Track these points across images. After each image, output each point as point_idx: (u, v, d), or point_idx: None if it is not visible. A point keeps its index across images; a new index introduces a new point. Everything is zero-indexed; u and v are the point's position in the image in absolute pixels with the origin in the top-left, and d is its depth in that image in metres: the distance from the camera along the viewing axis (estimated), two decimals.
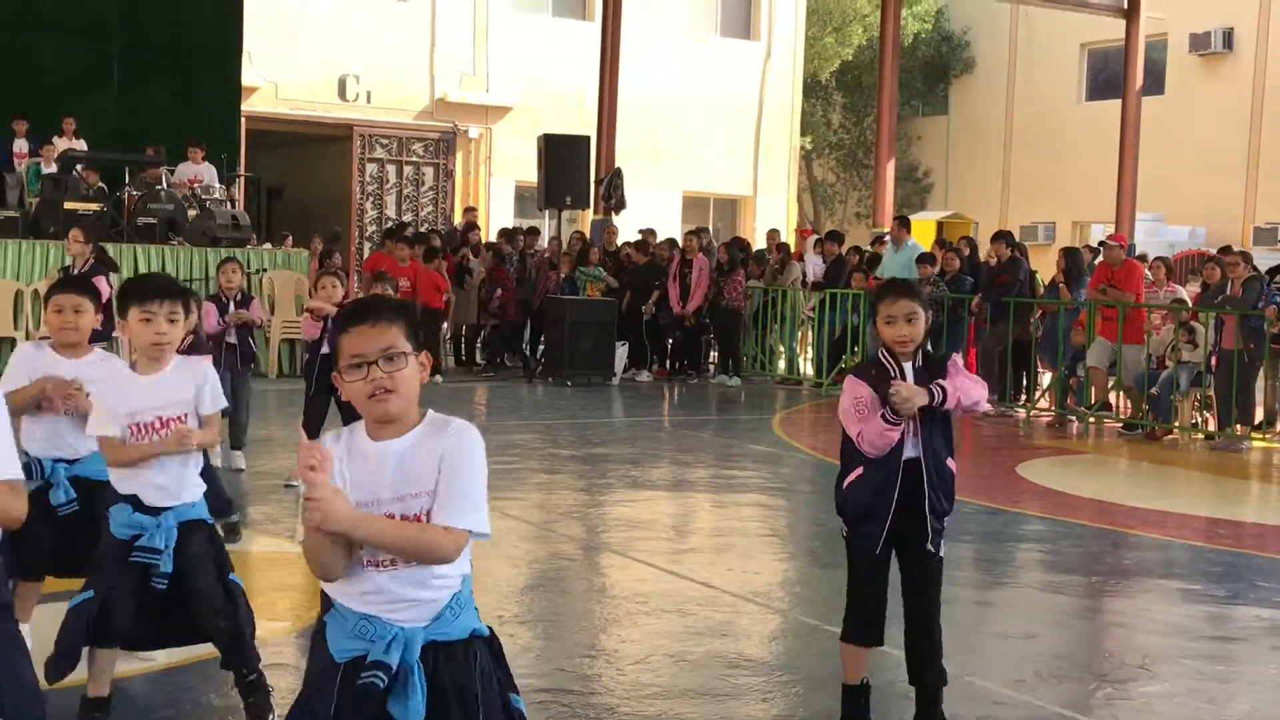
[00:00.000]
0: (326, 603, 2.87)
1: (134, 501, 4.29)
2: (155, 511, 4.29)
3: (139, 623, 4.28)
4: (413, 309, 2.95)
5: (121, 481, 4.31)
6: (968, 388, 4.37)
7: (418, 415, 2.87)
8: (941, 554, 4.46)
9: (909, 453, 4.36)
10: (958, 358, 4.60)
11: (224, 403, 4.51)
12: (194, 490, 4.40)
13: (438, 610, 2.83)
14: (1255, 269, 13.09)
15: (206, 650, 4.84)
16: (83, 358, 4.68)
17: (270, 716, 4.48)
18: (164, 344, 4.32)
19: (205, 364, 4.57)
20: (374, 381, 2.77)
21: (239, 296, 9.34)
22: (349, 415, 8.28)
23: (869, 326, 15.85)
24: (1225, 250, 14.52)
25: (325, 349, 8.36)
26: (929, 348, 4.55)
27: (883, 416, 4.28)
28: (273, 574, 6.93)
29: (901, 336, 4.35)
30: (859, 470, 4.39)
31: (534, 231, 19.45)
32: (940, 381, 4.33)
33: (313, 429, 8.76)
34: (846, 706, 4.51)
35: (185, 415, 4.34)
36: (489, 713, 2.84)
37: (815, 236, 19.84)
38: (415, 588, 2.81)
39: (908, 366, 4.40)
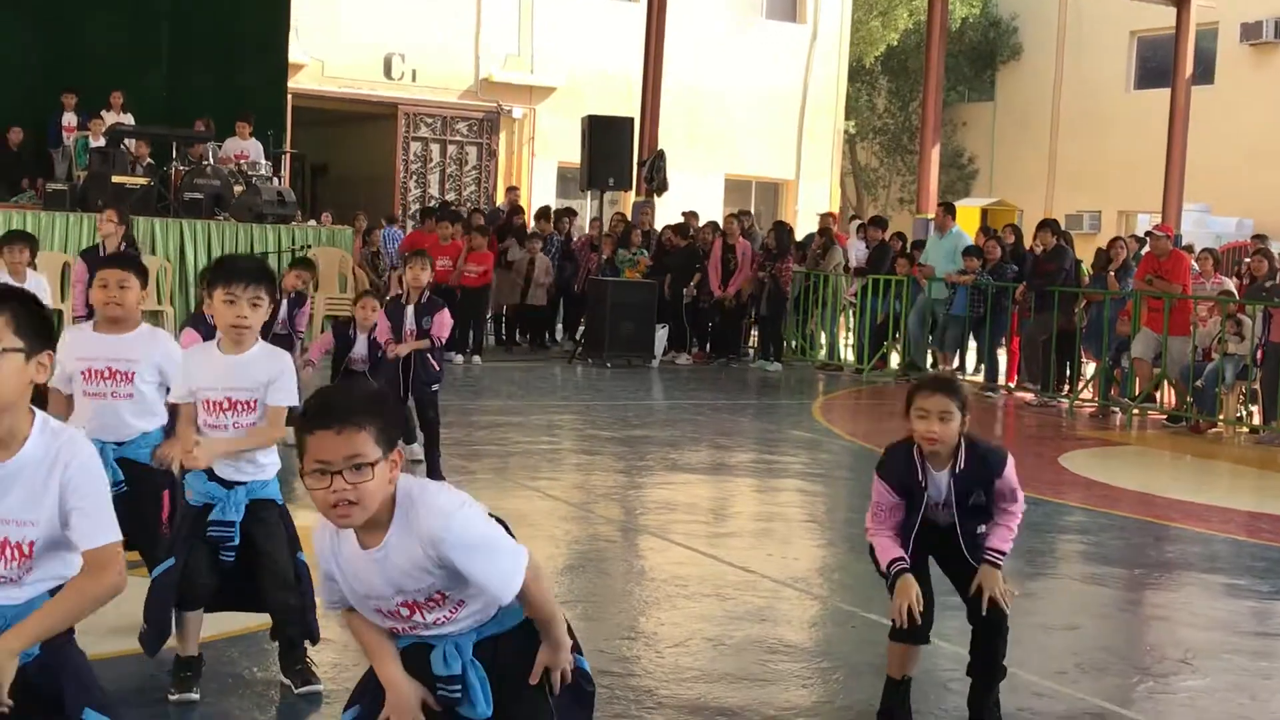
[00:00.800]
0: None
1: (207, 472, 4.38)
2: (227, 485, 4.38)
3: (209, 585, 4.41)
4: (386, 404, 2.76)
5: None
6: (1005, 536, 4.36)
7: (388, 513, 2.72)
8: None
9: (938, 520, 4.40)
10: (1010, 475, 4.39)
11: (295, 400, 4.52)
12: (267, 469, 4.48)
13: (479, 624, 2.87)
14: None
15: (242, 623, 4.91)
16: (127, 334, 4.68)
17: (314, 683, 4.56)
18: (244, 327, 4.39)
19: (287, 357, 4.63)
20: (336, 493, 2.60)
21: (292, 295, 9.43)
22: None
23: (911, 315, 15.82)
24: (1258, 239, 14.35)
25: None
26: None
27: (890, 565, 4.28)
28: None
29: (931, 433, 4.24)
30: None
31: (570, 213, 19.44)
32: (991, 554, 4.31)
33: None
34: (887, 698, 4.50)
35: (254, 401, 4.41)
36: (538, 694, 2.89)
37: (858, 221, 19.75)
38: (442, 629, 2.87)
39: (941, 475, 4.33)
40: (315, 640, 4.65)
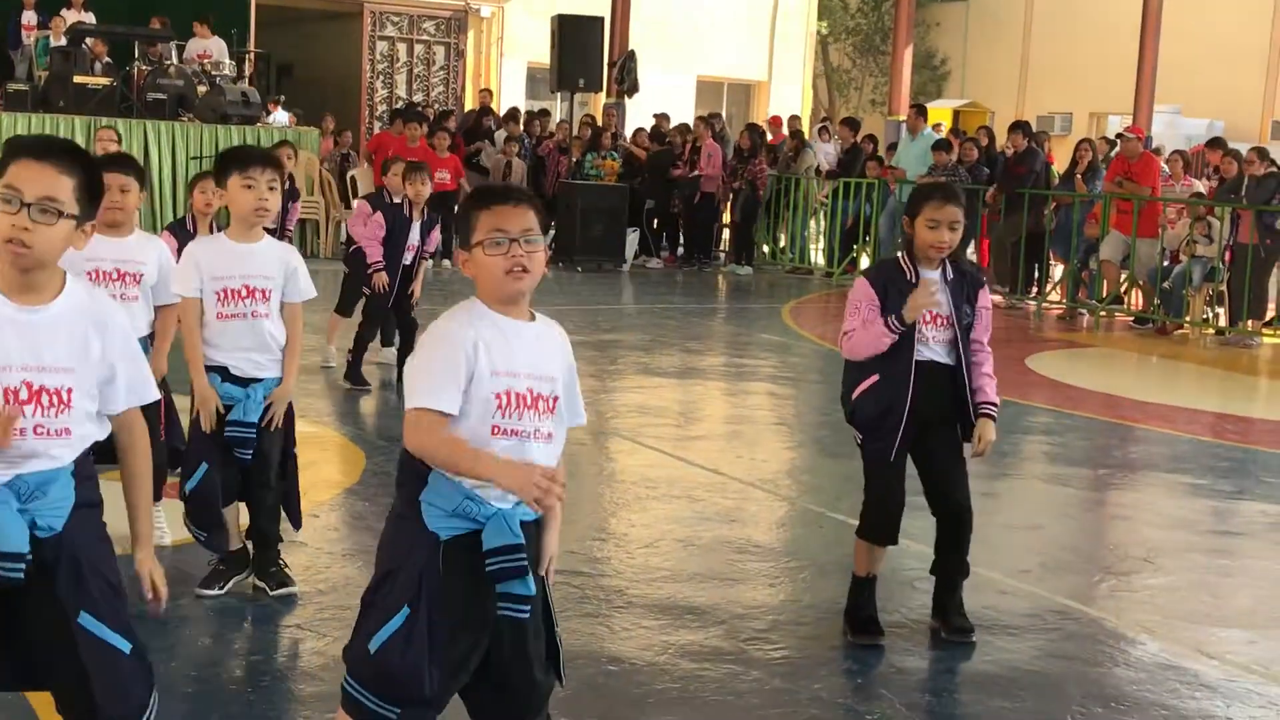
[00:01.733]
0: (418, 484, 2.82)
1: (222, 372, 4.40)
2: (244, 383, 4.40)
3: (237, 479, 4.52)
4: (540, 203, 3.00)
5: (212, 351, 4.40)
6: (991, 387, 4.42)
7: (527, 308, 2.92)
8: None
9: (931, 356, 4.34)
10: (986, 293, 4.49)
11: (314, 292, 4.60)
12: (278, 365, 4.49)
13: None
14: (1275, 164, 12.98)
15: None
16: (128, 236, 4.66)
17: (290, 584, 4.62)
18: (266, 209, 4.42)
19: (296, 252, 4.67)
20: (514, 258, 2.79)
21: (288, 188, 9.31)
22: (368, 305, 8.36)
23: (882, 218, 15.81)
24: (1214, 143, 14.35)
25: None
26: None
27: (887, 322, 4.24)
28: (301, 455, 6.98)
29: (942, 242, 4.28)
30: (873, 379, 4.35)
31: (544, 114, 19.23)
32: (987, 408, 4.37)
33: (346, 311, 8.95)
34: (853, 596, 4.55)
35: (269, 290, 4.42)
36: (543, 586, 2.94)
37: (824, 123, 19.62)
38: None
39: (933, 274, 4.33)
40: (296, 527, 4.75)
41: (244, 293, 4.38)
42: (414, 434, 2.75)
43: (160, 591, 2.85)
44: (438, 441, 2.74)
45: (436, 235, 8.82)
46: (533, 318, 2.91)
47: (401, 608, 2.77)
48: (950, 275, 4.37)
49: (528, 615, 2.83)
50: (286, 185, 9.11)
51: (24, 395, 2.65)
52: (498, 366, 2.79)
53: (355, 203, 9.30)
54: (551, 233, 16.89)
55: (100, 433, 2.78)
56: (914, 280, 4.30)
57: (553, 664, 2.93)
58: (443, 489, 2.79)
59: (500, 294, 2.84)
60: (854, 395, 4.40)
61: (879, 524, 4.45)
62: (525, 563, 2.78)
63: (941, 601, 4.58)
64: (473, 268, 2.85)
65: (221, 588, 4.58)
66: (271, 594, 4.58)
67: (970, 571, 4.57)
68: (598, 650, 4.30)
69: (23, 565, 2.62)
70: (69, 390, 2.69)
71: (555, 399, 2.87)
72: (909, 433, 4.33)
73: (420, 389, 2.76)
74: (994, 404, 4.42)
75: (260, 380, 4.44)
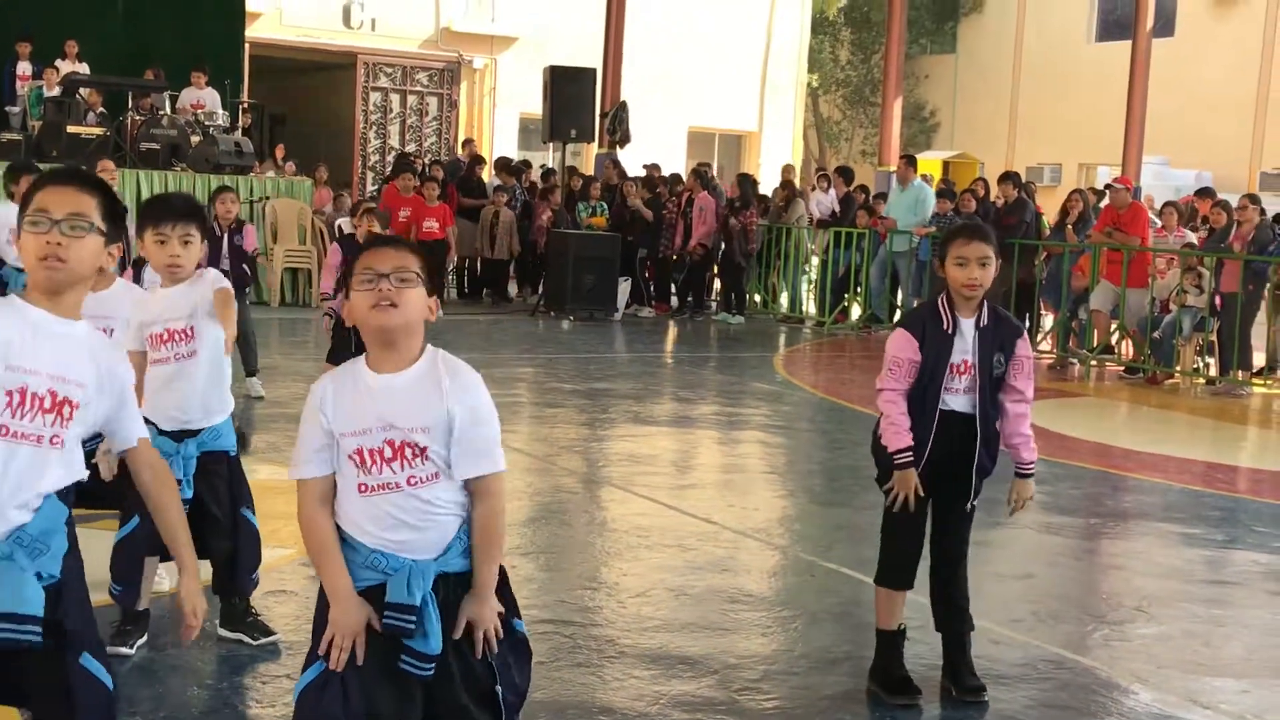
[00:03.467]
0: (340, 534, 2.88)
1: (155, 426, 4.33)
2: (176, 437, 4.36)
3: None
4: (430, 256, 2.99)
5: (145, 405, 4.34)
6: (1029, 447, 4.37)
7: (418, 350, 2.87)
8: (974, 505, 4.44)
9: (954, 406, 4.27)
10: (1027, 342, 4.43)
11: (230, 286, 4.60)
12: (216, 414, 4.46)
13: (448, 541, 2.85)
14: (1263, 212, 13.08)
15: (206, 577, 4.88)
16: (103, 290, 4.59)
17: (272, 633, 4.58)
18: (178, 265, 4.39)
19: (213, 272, 4.64)
20: (380, 292, 2.78)
21: (234, 225, 9.36)
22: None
23: (873, 268, 15.86)
24: (1204, 192, 14.43)
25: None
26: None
27: (903, 451, 4.18)
28: (275, 502, 6.95)
29: (972, 279, 4.22)
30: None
31: (525, 164, 19.32)
32: (1025, 468, 4.37)
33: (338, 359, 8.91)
34: (883, 654, 4.45)
35: (191, 329, 4.41)
36: (501, 641, 2.89)
37: (820, 173, 19.74)
38: (416, 515, 2.83)
39: (968, 324, 4.26)
40: (245, 594, 4.64)
41: (165, 336, 4.39)
42: (300, 517, 2.89)
43: (196, 623, 2.89)
44: (304, 519, 2.87)
45: None
46: (417, 359, 2.85)
47: (317, 660, 2.82)
48: (985, 321, 4.30)
49: (429, 674, 2.79)
50: (233, 225, 9.20)
51: (47, 404, 2.71)
52: (344, 427, 2.82)
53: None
54: (542, 282, 16.98)
55: (80, 472, 2.81)
56: (949, 329, 4.25)
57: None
58: (354, 542, 2.84)
59: (368, 333, 2.84)
60: (880, 434, 4.33)
61: (895, 567, 4.38)
62: (413, 624, 2.77)
63: (953, 660, 4.48)
64: (348, 313, 2.87)
65: (132, 646, 4.44)
66: (254, 644, 4.54)
67: (974, 624, 4.52)
68: (589, 700, 4.27)
69: (40, 628, 2.66)
70: (76, 405, 2.76)
71: (424, 448, 2.81)
72: (928, 480, 4.27)
73: (294, 458, 2.89)
74: (1030, 463, 4.38)
75: (194, 434, 4.40)
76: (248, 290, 9.88)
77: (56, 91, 15.79)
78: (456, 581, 2.85)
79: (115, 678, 2.84)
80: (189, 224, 4.38)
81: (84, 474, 2.82)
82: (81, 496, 2.88)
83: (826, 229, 16.80)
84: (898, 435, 4.22)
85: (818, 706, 4.34)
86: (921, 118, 34.21)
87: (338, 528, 2.86)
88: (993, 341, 4.29)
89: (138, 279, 6.27)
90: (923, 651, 4.64)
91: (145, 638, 4.53)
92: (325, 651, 2.79)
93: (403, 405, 2.81)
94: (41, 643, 2.66)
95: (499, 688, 2.87)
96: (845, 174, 17.88)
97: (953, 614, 4.48)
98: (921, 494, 4.25)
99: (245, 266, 9.42)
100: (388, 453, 2.80)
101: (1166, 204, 15.43)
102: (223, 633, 4.59)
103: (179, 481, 4.30)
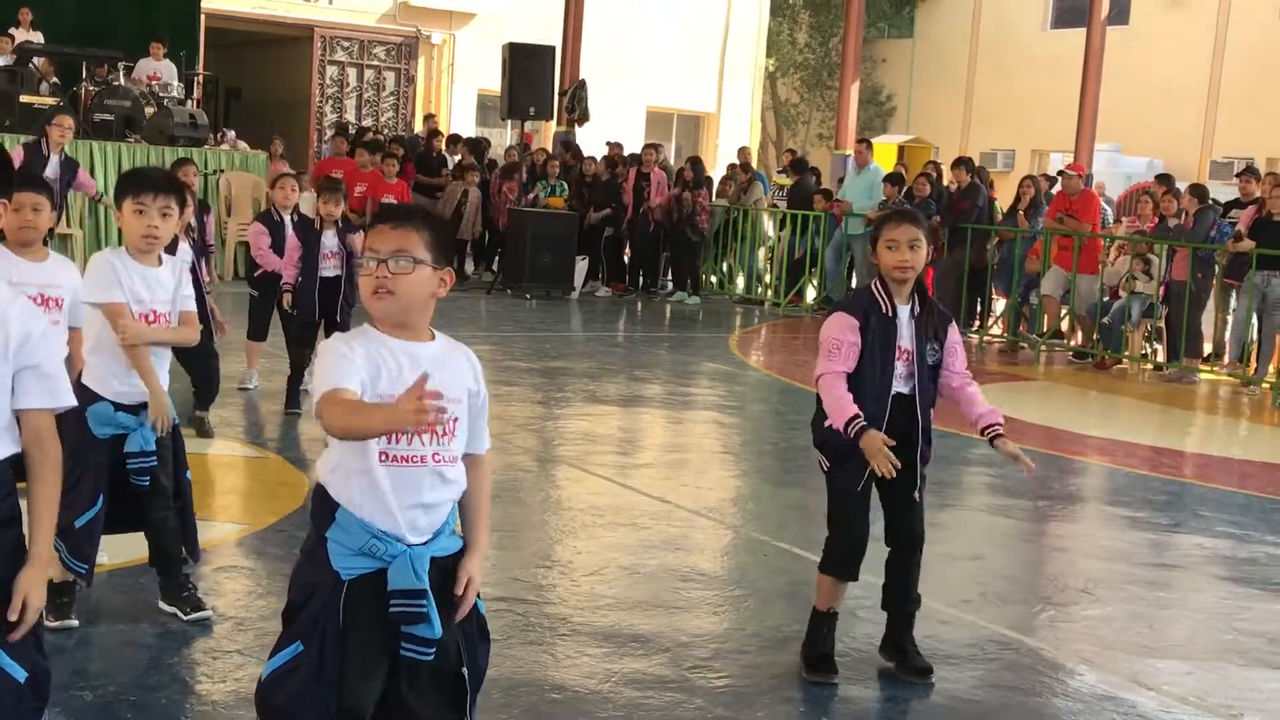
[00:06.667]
0: (327, 519, 2.80)
1: (113, 403, 4.34)
2: (133, 410, 4.35)
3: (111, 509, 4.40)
4: (442, 223, 2.97)
5: (102, 382, 4.35)
6: (990, 409, 4.46)
7: (429, 331, 2.89)
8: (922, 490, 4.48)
9: (900, 388, 4.32)
10: (955, 329, 4.49)
11: (191, 306, 4.56)
12: (165, 382, 4.46)
13: (441, 524, 2.86)
14: (1215, 201, 13.22)
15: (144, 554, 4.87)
16: (44, 261, 4.50)
17: (203, 609, 4.55)
18: (155, 237, 4.36)
19: (184, 259, 4.67)
20: (378, 279, 2.79)
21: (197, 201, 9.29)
22: (291, 326, 8.32)
23: (828, 250, 15.94)
24: (1163, 179, 14.54)
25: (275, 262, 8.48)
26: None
27: (850, 423, 4.17)
28: (229, 477, 6.94)
29: (903, 262, 4.26)
30: None
31: (485, 142, 19.26)
32: (994, 428, 4.45)
33: (258, 335, 8.86)
34: (812, 631, 4.51)
35: (170, 315, 4.43)
36: (471, 623, 2.91)
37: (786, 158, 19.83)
38: (432, 494, 2.83)
39: (904, 310, 4.32)
40: (196, 559, 4.65)
41: (151, 316, 4.37)
42: (328, 418, 2.68)
43: (31, 619, 2.63)
44: (340, 411, 2.66)
45: (360, 238, 8.58)
46: (433, 338, 2.91)
47: (293, 643, 2.79)
48: (917, 309, 4.35)
49: (431, 657, 2.80)
50: (193, 204, 9.14)
51: None
52: (384, 390, 2.75)
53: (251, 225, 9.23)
54: (498, 259, 16.94)
55: (14, 444, 2.68)
56: (889, 313, 4.28)
57: (463, 701, 2.89)
58: (350, 527, 2.77)
59: (373, 315, 2.85)
60: (825, 424, 4.33)
61: (844, 558, 4.41)
62: (426, 608, 2.76)
63: (898, 640, 4.54)
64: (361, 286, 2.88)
65: (74, 616, 4.43)
66: (185, 619, 4.52)
67: (921, 602, 4.59)
68: (541, 678, 4.30)
69: None
70: None
71: (455, 420, 2.85)
72: (865, 462, 4.27)
73: (320, 385, 2.72)
74: (998, 424, 4.46)
75: (145, 404, 4.39)
76: (210, 261, 9.93)
77: (10, 60, 15.57)
78: (448, 564, 2.85)
79: (36, 664, 2.67)
80: (169, 196, 4.35)
81: (14, 448, 2.67)
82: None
83: (777, 210, 16.86)
84: (843, 408, 4.21)
85: (767, 685, 4.39)
86: (878, 101, 34.32)
87: (333, 504, 2.80)
88: (926, 328, 4.36)
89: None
90: (872, 632, 4.70)
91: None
92: (301, 636, 2.77)
93: (442, 375, 2.79)
94: None
95: (464, 669, 2.88)
96: (800, 166, 17.97)
97: (902, 597, 4.53)
98: (894, 449, 4.19)
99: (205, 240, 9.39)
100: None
101: (1144, 193, 15.42)
102: (162, 605, 4.58)
103: (150, 453, 4.32)
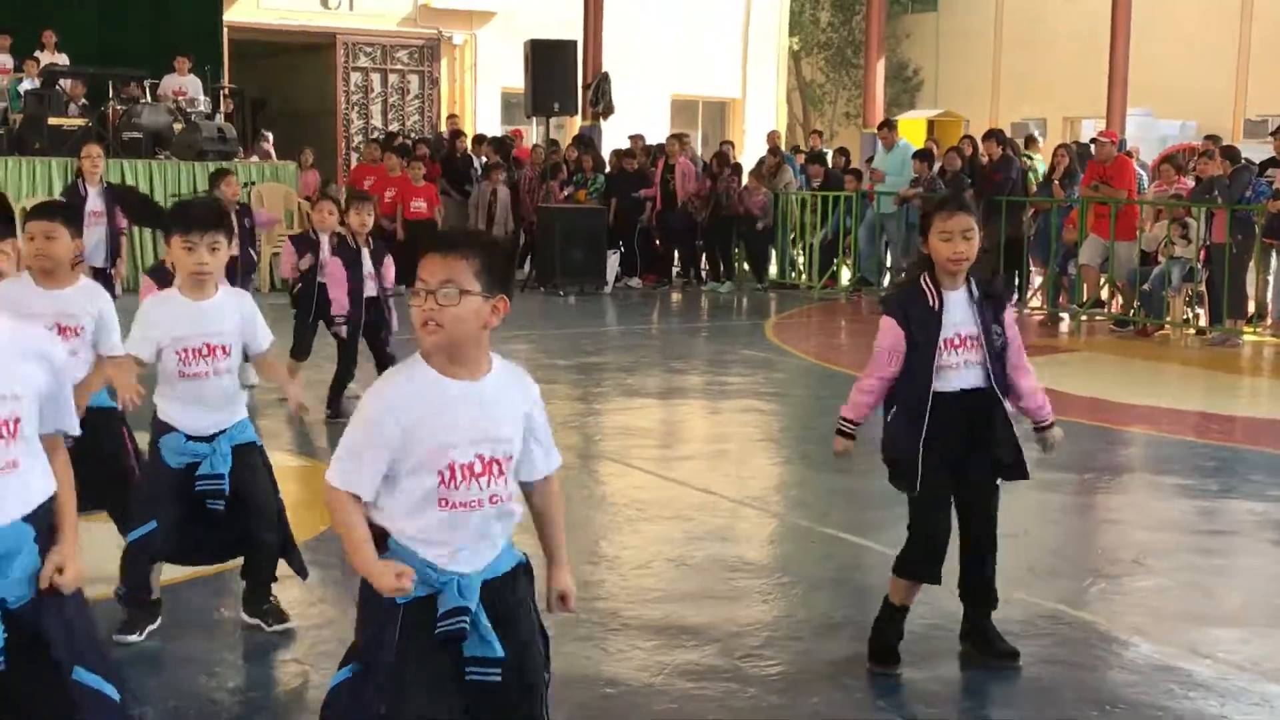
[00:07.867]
0: (380, 548, 2.81)
1: (180, 434, 4.40)
2: (209, 439, 4.40)
3: (194, 541, 4.48)
4: (495, 246, 2.82)
5: (171, 412, 4.41)
6: (1044, 401, 4.50)
7: (486, 357, 2.82)
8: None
9: (960, 384, 4.23)
10: (1010, 311, 4.42)
11: (271, 337, 4.63)
12: (240, 410, 4.51)
13: (497, 553, 2.87)
14: (1249, 161, 13.07)
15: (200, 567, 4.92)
16: (66, 288, 4.51)
17: (286, 620, 4.63)
18: (205, 274, 4.38)
19: (249, 297, 4.67)
20: (425, 311, 2.71)
21: (237, 207, 9.36)
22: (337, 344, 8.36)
23: (861, 231, 15.86)
24: (1211, 139, 14.42)
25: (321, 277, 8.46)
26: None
27: (842, 428, 4.27)
28: (293, 490, 6.96)
29: (958, 253, 4.17)
30: (892, 410, 4.30)
31: (510, 139, 19.30)
32: (1046, 423, 4.50)
33: (302, 354, 8.83)
34: (881, 620, 4.43)
35: (230, 346, 4.44)
36: (531, 633, 2.91)
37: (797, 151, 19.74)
38: (488, 530, 2.86)
39: (954, 295, 4.23)
40: (304, 575, 4.75)
41: (205, 350, 4.38)
42: (331, 510, 2.79)
43: (61, 581, 2.70)
44: (338, 522, 2.78)
45: (390, 266, 8.57)
46: (489, 368, 2.83)
47: (354, 662, 2.83)
48: (976, 294, 4.28)
49: (499, 678, 2.81)
50: (236, 208, 9.17)
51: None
52: (433, 441, 2.74)
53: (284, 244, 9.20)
54: (530, 259, 16.96)
55: (45, 490, 2.73)
56: (935, 306, 4.21)
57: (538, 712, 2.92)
58: (402, 557, 2.79)
59: (423, 348, 2.79)
60: (889, 419, 4.32)
61: (919, 562, 4.31)
62: (465, 625, 2.77)
63: (982, 628, 4.46)
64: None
65: (141, 633, 4.49)
66: (269, 630, 4.59)
67: (999, 602, 4.49)
68: (594, 674, 4.31)
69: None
70: (16, 420, 2.66)
71: (509, 459, 2.84)
72: (935, 464, 4.22)
73: (341, 464, 2.76)
74: (1048, 416, 4.47)
75: (224, 432, 4.43)
76: (254, 275, 10.01)
77: (37, 83, 15.71)
78: (499, 584, 2.86)
79: (121, 683, 2.79)
80: (217, 232, 4.37)
81: (48, 491, 2.74)
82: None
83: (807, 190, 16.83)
84: (855, 408, 4.32)
85: (821, 671, 4.38)
86: (905, 77, 34.13)
87: (386, 536, 2.81)
88: (987, 313, 4.28)
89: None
90: (924, 612, 4.67)
91: (158, 623, 4.57)
92: (362, 658, 2.80)
93: (494, 414, 2.79)
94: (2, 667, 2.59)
95: (547, 674, 2.93)
96: (818, 159, 17.83)
97: (983, 599, 4.46)
98: (966, 451, 4.25)
99: (252, 251, 9.48)
100: (477, 467, 2.76)
101: (1165, 161, 15.32)
102: (244, 617, 4.64)
103: (219, 476, 4.38)
